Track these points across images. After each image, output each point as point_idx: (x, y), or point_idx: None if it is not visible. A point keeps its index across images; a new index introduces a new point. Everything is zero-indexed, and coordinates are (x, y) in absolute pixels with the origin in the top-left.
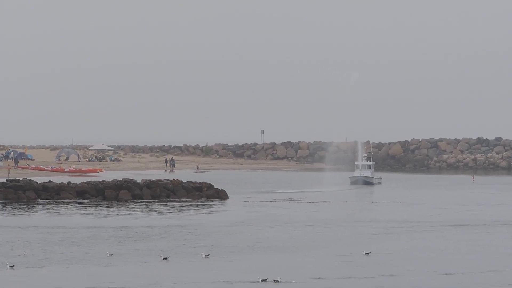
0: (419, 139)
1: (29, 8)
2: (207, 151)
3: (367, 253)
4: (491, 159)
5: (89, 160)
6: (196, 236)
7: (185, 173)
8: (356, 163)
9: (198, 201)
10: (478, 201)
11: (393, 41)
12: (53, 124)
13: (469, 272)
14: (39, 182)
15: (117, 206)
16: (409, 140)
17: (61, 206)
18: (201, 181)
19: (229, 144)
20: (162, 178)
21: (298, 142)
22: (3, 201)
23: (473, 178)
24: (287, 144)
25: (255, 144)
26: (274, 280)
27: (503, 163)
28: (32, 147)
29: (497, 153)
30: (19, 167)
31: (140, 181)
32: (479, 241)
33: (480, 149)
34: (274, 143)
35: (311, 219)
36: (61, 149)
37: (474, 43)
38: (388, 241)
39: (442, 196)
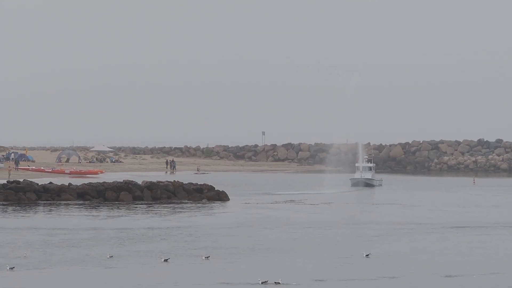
0: (420, 141)
1: (29, 8)
2: (208, 152)
3: (368, 255)
4: (492, 161)
5: (90, 162)
6: (197, 237)
7: (185, 174)
8: (356, 165)
9: (198, 203)
10: (478, 203)
11: (393, 42)
12: (53, 124)
13: (470, 274)
14: (39, 184)
15: (118, 207)
16: (410, 142)
17: (62, 208)
18: (202, 183)
19: (230, 146)
20: (163, 180)
21: (299, 144)
22: (3, 203)
23: (473, 180)
24: (288, 146)
25: (256, 145)
26: (275, 282)
27: (504, 165)
28: (33, 149)
29: (498, 155)
30: (19, 168)
31: (140, 183)
32: (479, 243)
33: (480, 151)
34: (275, 145)
35: (311, 221)
36: (62, 151)
37: (474, 43)
38: (389, 243)
39: (442, 198)
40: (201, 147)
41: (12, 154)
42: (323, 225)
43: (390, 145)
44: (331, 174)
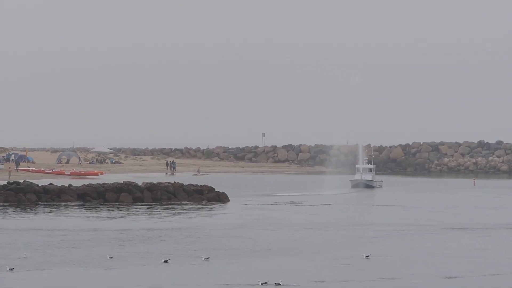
0: (420, 143)
1: (29, 8)
2: (208, 154)
3: (367, 256)
4: (492, 163)
5: (90, 163)
6: (197, 239)
7: (185, 176)
8: (357, 166)
9: (199, 204)
10: (479, 204)
11: (393, 42)
12: (53, 125)
13: (470, 275)
14: (39, 185)
15: (118, 209)
16: (410, 144)
17: (62, 209)
18: (202, 184)
19: (230, 147)
20: (163, 181)
21: (299, 145)
22: (3, 204)
23: (474, 181)
24: (288, 147)
25: (256, 147)
26: (275, 283)
27: (504, 167)
28: (33, 150)
29: (498, 157)
30: (19, 169)
31: (141, 184)
32: (479, 244)
33: (481, 153)
34: (275, 146)
35: (311, 222)
36: (62, 152)
37: (474, 43)
38: (389, 244)
39: (443, 200)
40: (201, 148)
41: (12, 155)
42: (323, 226)
43: (390, 147)
44: (331, 176)
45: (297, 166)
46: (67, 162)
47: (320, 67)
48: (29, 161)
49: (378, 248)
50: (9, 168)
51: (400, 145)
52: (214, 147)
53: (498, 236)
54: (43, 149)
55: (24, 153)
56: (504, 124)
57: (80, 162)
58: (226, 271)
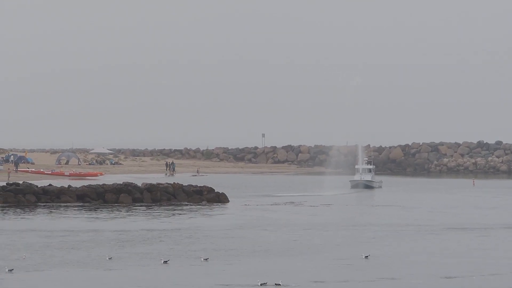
0: (419, 143)
1: (29, 8)
2: (207, 154)
3: (367, 256)
4: (492, 163)
5: (90, 164)
6: (196, 239)
7: (184, 176)
8: (356, 166)
9: (198, 205)
10: (478, 204)
11: (393, 42)
12: (53, 125)
13: (469, 275)
14: (39, 186)
15: (117, 209)
16: (410, 144)
17: (61, 210)
18: (202, 185)
19: (229, 148)
20: (163, 182)
21: (299, 146)
22: (3, 205)
23: (473, 182)
24: (288, 148)
25: (256, 147)
26: (275, 284)
27: (504, 167)
28: (32, 151)
29: (498, 157)
30: (19, 170)
31: (140, 185)
32: (479, 244)
33: (480, 153)
34: (275, 147)
35: (311, 223)
36: (61, 153)
37: (474, 43)
38: (388, 244)
39: (442, 200)
40: (201, 149)
41: (12, 156)
42: (322, 226)
43: (390, 147)
44: (331, 176)
45: (297, 167)
46: (67, 163)
47: (320, 67)
48: (28, 162)
49: (377, 248)
50: (9, 169)
51: (399, 146)
52: (213, 148)
53: (497, 236)
54: (43, 150)
55: (23, 154)
56: (503, 124)
57: (79, 163)
58: (226, 272)
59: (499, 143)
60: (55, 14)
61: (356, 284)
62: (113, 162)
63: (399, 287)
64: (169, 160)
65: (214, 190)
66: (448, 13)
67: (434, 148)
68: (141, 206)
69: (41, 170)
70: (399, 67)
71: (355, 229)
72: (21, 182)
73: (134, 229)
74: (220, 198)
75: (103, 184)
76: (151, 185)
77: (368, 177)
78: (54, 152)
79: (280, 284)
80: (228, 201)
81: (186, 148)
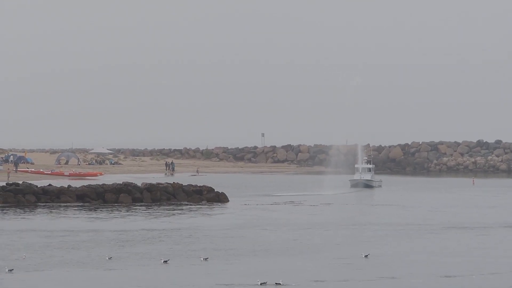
0: (419, 142)
1: (29, 8)
2: (207, 154)
3: (367, 256)
4: (491, 162)
5: (89, 164)
6: (196, 239)
7: (184, 176)
8: (356, 166)
9: (198, 205)
10: (478, 203)
11: (393, 42)
12: (53, 125)
13: (469, 275)
14: (39, 186)
15: (117, 209)
16: (409, 143)
17: (61, 210)
18: (202, 185)
19: (229, 148)
20: (163, 182)
21: (299, 145)
22: (3, 205)
23: (473, 181)
24: (288, 147)
25: (256, 147)
26: (275, 283)
27: (503, 166)
28: (32, 151)
29: (497, 156)
30: (19, 170)
31: (140, 185)
32: (479, 244)
33: (480, 152)
34: (275, 146)
35: (311, 222)
36: (61, 153)
37: (474, 43)
38: (388, 243)
39: (442, 199)
40: (201, 148)
41: (11, 156)
42: (322, 226)
43: (390, 146)
44: (330, 176)
45: (297, 166)
46: (66, 163)
47: (320, 67)
48: (28, 162)
49: (377, 248)
50: (8, 169)
51: (399, 145)
52: (213, 148)
53: (497, 235)
54: (42, 150)
55: (23, 154)
56: (503, 123)
57: (79, 163)
58: (226, 271)
59: (498, 142)
60: (55, 14)
61: (356, 284)
62: (112, 162)
63: (399, 286)
64: (169, 160)
65: (213, 189)
66: (448, 13)
67: (434, 147)
68: (141, 206)
69: (41, 170)
70: (399, 67)
71: (355, 228)
72: (20, 182)
73: (134, 229)
74: (220, 198)
75: (103, 184)
76: (151, 185)
77: (367, 176)
78: (53, 152)
79: (280, 284)
80: (228, 200)
81: (185, 148)
